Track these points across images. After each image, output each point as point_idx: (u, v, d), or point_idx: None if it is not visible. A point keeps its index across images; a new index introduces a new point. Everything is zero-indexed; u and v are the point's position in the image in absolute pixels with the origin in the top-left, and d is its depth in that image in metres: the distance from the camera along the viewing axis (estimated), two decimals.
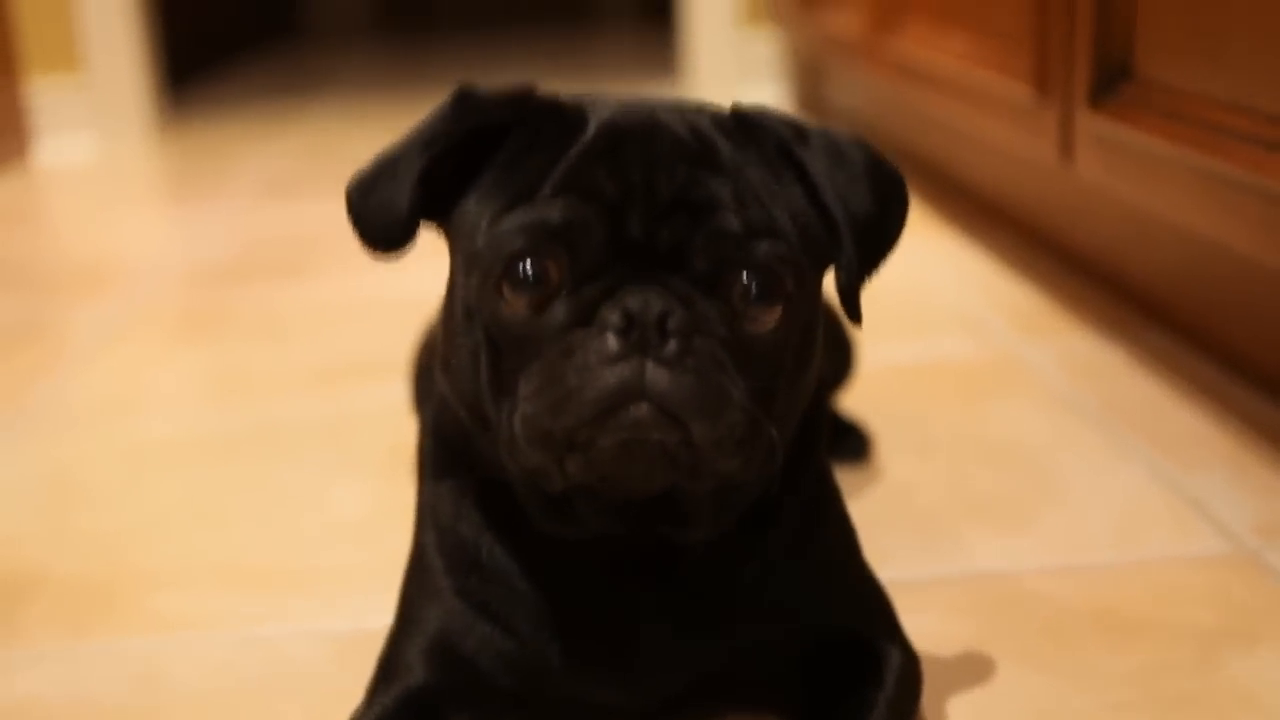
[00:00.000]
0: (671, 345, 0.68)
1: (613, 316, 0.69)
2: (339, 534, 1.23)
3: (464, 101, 0.76)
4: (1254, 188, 1.17)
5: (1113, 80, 1.45)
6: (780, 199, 0.75)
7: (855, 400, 1.40)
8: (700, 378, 0.69)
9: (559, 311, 0.70)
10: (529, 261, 0.71)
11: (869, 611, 0.89)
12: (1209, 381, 1.47)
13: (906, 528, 1.19)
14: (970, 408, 1.47)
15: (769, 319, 0.72)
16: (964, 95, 1.96)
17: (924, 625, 1.01)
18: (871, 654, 0.86)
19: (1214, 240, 1.35)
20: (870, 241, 0.79)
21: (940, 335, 1.71)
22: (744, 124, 0.77)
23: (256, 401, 1.59)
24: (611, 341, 0.68)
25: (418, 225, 0.76)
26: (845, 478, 1.27)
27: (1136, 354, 1.58)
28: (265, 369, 1.70)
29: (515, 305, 0.71)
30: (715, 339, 0.70)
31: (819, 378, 0.82)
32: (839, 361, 1.34)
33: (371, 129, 3.45)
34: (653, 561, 0.80)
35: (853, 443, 1.35)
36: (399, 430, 1.30)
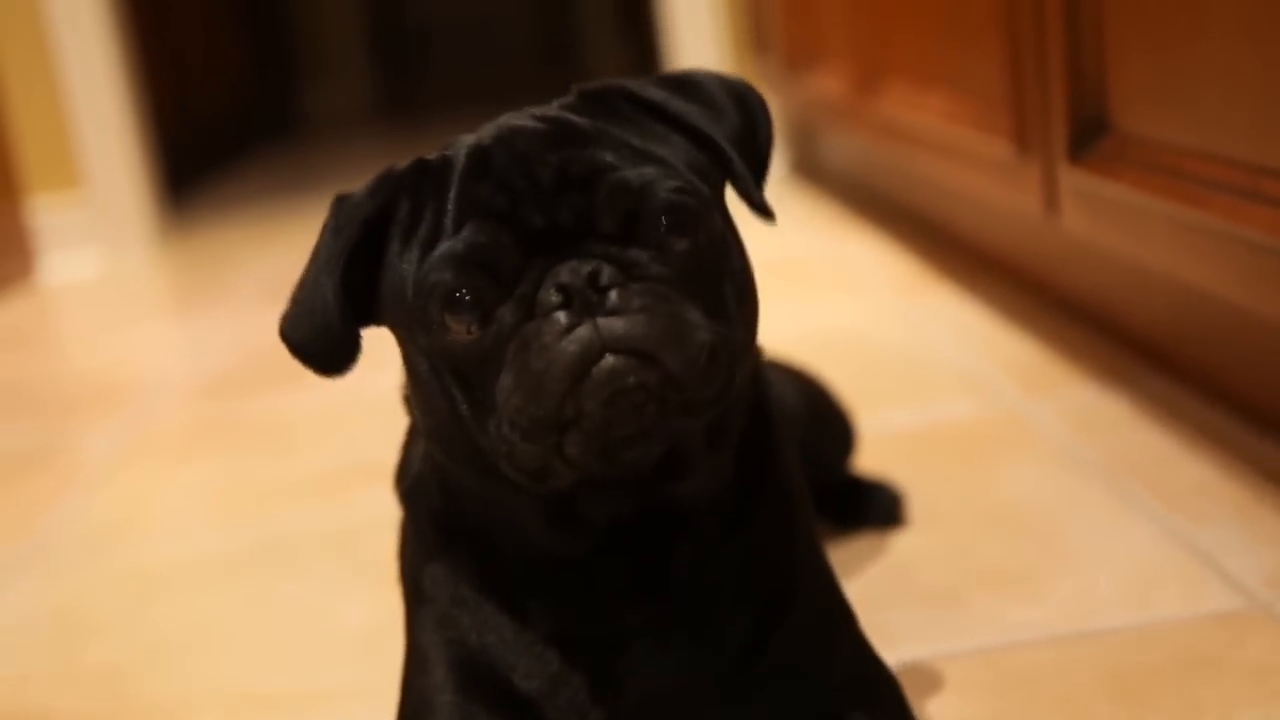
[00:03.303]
0: (612, 296, 0.71)
1: (550, 297, 0.71)
2: (345, 650, 1.22)
3: (339, 206, 0.80)
4: (1234, 236, 1.16)
5: (1090, 135, 1.45)
6: (652, 142, 0.78)
7: (859, 470, 1.39)
8: (651, 313, 0.71)
9: (505, 317, 0.73)
10: (459, 291, 0.74)
11: (878, 697, 0.88)
12: (1214, 428, 1.45)
13: (913, 603, 1.17)
14: (973, 471, 1.45)
15: (688, 246, 0.75)
16: (948, 153, 1.96)
17: (936, 707, 0.99)
18: None
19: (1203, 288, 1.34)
20: (749, 147, 0.82)
21: (940, 396, 1.70)
22: (590, 97, 0.81)
23: (261, 515, 1.59)
24: (559, 318, 0.71)
25: (358, 336, 0.79)
26: (847, 553, 1.27)
27: (1139, 403, 1.56)
28: (269, 480, 1.70)
29: (463, 332, 0.74)
30: (650, 278, 0.73)
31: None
32: (837, 432, 1.34)
33: None
34: (644, 622, 0.80)
35: (883, 504, 1.33)
36: None
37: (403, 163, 0.80)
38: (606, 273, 0.71)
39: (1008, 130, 1.68)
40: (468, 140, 0.79)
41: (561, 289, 0.71)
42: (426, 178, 0.78)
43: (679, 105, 0.80)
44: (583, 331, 0.70)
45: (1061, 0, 1.47)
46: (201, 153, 4.61)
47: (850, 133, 2.60)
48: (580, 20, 6.88)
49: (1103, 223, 1.46)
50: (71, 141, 3.43)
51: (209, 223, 3.86)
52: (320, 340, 0.78)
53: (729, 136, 0.81)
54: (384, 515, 1.44)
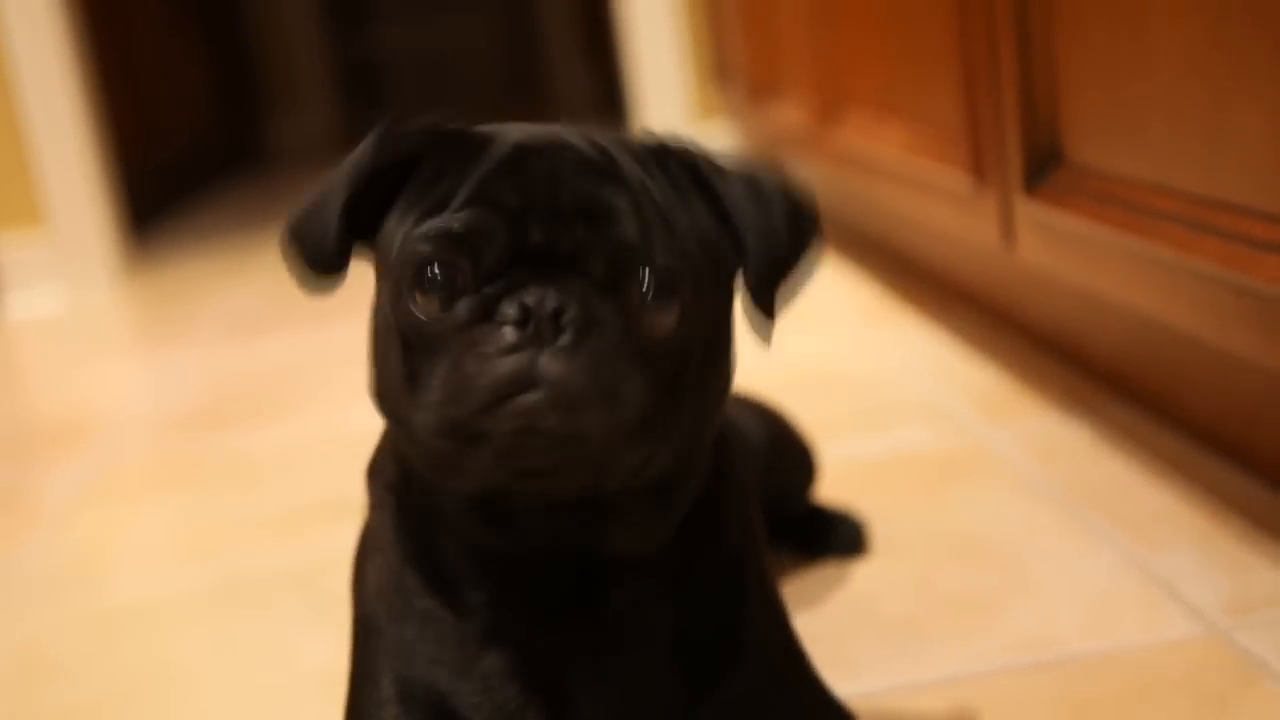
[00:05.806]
0: (566, 337, 0.71)
1: (510, 310, 0.71)
2: (306, 690, 1.21)
3: (384, 135, 0.81)
4: (1183, 267, 1.17)
5: (1044, 166, 1.47)
6: (683, 216, 0.78)
7: (820, 500, 1.40)
8: (593, 368, 0.71)
9: (462, 309, 0.73)
10: (435, 265, 0.74)
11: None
12: (1174, 455, 1.47)
13: (873, 634, 1.18)
14: (935, 500, 1.46)
15: (664, 322, 0.75)
16: (908, 183, 1.98)
17: None
18: None
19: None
20: (779, 264, 0.81)
21: (902, 424, 1.71)
22: (657, 150, 0.81)
23: (224, 554, 1.58)
24: (508, 333, 0.71)
25: (348, 254, 0.80)
26: (808, 583, 1.28)
27: (1101, 430, 1.58)
28: (233, 518, 1.69)
29: (425, 306, 0.75)
30: (611, 336, 0.72)
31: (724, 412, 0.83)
32: (799, 463, 1.35)
33: None
34: (586, 647, 0.80)
35: (845, 534, 1.34)
36: None
37: (453, 121, 0.81)
38: (571, 312, 0.71)
39: (965, 161, 1.69)
40: (515, 133, 0.79)
41: (524, 309, 0.71)
42: (463, 148, 0.79)
43: (735, 202, 0.80)
44: (522, 359, 0.70)
45: (1014, 33, 1.49)
46: (165, 187, 4.60)
47: (812, 162, 2.61)
48: (545, 51, 6.91)
49: (1058, 253, 1.47)
50: (33, 177, 3.42)
51: (174, 257, 3.84)
52: (311, 249, 0.79)
53: (765, 243, 0.79)
54: (347, 554, 1.44)
